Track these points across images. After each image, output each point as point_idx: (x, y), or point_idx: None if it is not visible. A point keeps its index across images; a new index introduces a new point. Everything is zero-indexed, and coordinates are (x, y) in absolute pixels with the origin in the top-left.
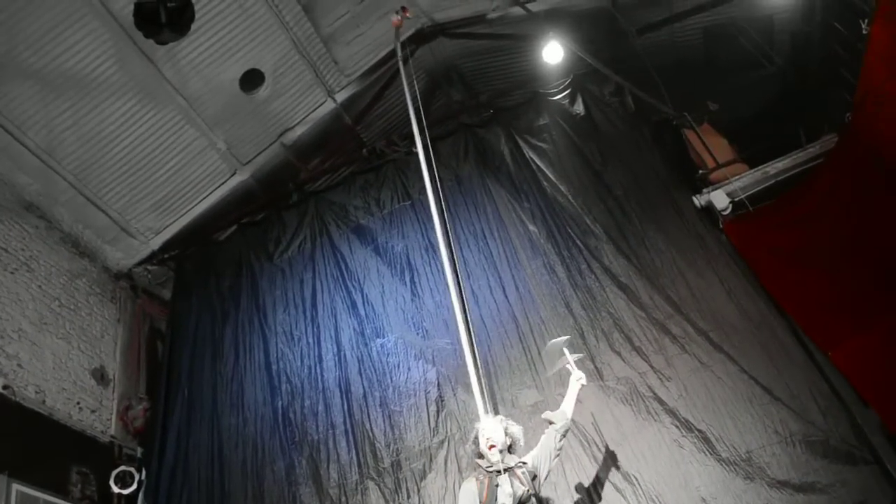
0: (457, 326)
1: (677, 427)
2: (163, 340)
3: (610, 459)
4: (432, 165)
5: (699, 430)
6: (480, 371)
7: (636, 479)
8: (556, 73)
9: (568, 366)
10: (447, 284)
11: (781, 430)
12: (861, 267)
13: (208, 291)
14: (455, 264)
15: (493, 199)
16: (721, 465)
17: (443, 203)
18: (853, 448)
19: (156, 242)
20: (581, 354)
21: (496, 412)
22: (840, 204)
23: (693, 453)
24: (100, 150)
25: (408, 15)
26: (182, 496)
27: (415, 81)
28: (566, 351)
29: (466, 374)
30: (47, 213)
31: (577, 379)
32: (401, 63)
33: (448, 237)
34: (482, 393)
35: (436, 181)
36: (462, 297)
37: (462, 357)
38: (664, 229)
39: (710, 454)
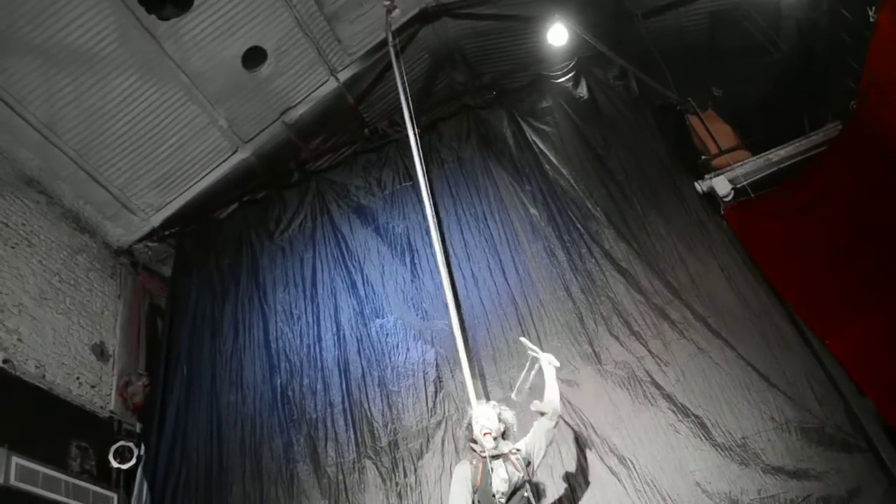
0: (453, 311)
1: (674, 412)
2: (163, 317)
3: (606, 443)
4: (420, 157)
5: (695, 416)
6: (477, 354)
7: (631, 463)
8: (561, 55)
9: (533, 354)
10: (441, 270)
11: (777, 417)
12: (862, 257)
13: (208, 269)
14: (447, 254)
15: (495, 182)
16: (716, 450)
17: (433, 194)
18: (848, 436)
19: (156, 219)
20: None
21: (495, 394)
22: (842, 193)
23: (689, 438)
24: (101, 126)
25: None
26: (181, 472)
27: (404, 76)
28: (524, 341)
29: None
30: (48, 189)
31: (549, 362)
32: (392, 55)
33: (440, 229)
34: (474, 378)
35: (424, 172)
36: (454, 286)
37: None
38: (665, 214)
39: (706, 439)
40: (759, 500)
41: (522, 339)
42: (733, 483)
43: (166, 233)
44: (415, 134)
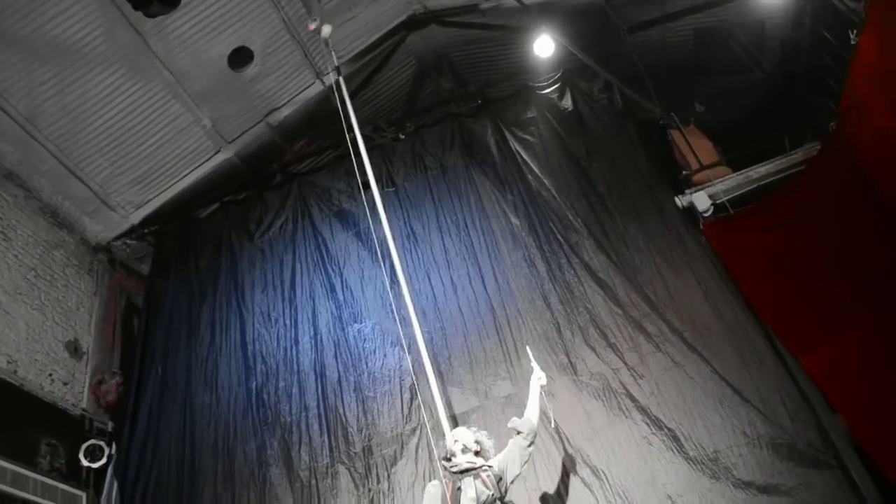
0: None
1: (647, 424)
2: (139, 316)
3: (579, 454)
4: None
5: (669, 429)
6: (454, 361)
7: (604, 475)
8: (547, 66)
9: (532, 364)
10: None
11: (749, 432)
12: (837, 276)
13: (187, 268)
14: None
15: (477, 190)
16: (688, 463)
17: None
18: (819, 452)
19: (136, 217)
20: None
21: (470, 402)
22: (820, 212)
23: (661, 451)
24: (83, 121)
25: (311, 28)
26: (151, 473)
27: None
28: (528, 350)
29: (442, 363)
30: (27, 182)
31: (537, 379)
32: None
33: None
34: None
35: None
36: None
37: (439, 346)
38: (645, 228)
39: (679, 452)
40: None
41: (528, 347)
42: (704, 497)
43: (146, 231)
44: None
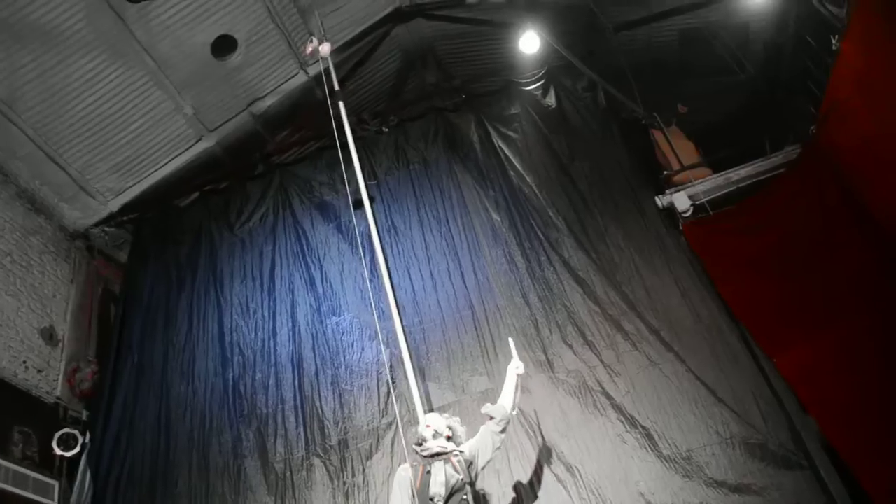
0: (414, 311)
1: (622, 422)
2: (116, 304)
3: (554, 450)
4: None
5: (643, 427)
6: (432, 356)
7: (578, 471)
8: (532, 63)
9: (512, 352)
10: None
11: (722, 432)
12: (813, 279)
13: (165, 257)
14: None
15: (459, 185)
16: (661, 461)
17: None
18: (790, 453)
19: (115, 204)
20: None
21: (447, 397)
22: (797, 215)
23: (635, 449)
24: (63, 106)
25: (308, 51)
26: (125, 462)
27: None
28: (511, 341)
29: (420, 358)
30: (4, 167)
31: (515, 368)
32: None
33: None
34: (428, 381)
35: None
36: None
37: (417, 340)
38: (625, 227)
39: (652, 451)
40: None
41: (511, 339)
42: (676, 495)
43: (124, 218)
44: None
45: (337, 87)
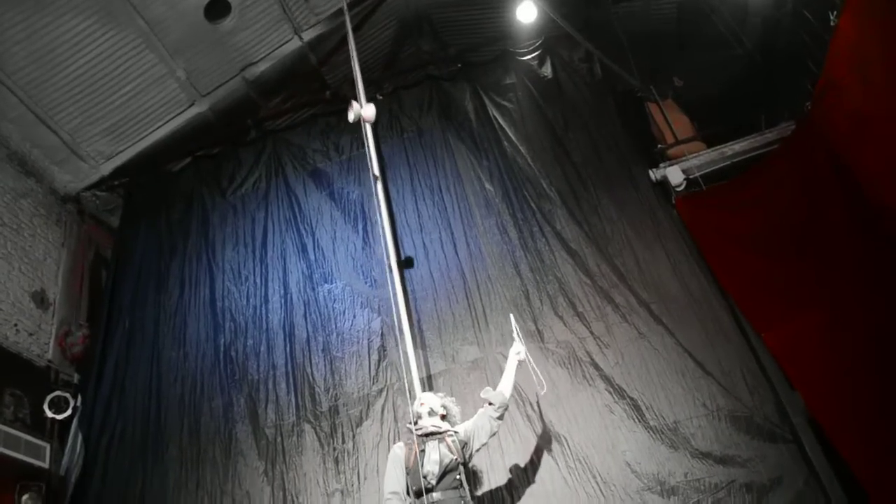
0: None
1: (610, 393)
2: (107, 268)
3: (542, 419)
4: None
5: (631, 398)
6: (423, 325)
7: (566, 440)
8: (528, 33)
9: (514, 335)
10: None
11: (709, 404)
12: (803, 256)
13: (157, 222)
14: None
15: (453, 155)
16: (648, 432)
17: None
18: (775, 427)
19: (106, 168)
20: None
21: (437, 366)
22: (790, 191)
23: (623, 419)
24: (53, 68)
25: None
26: (117, 426)
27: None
28: (512, 319)
29: (411, 326)
30: None
31: (516, 353)
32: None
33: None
34: (418, 349)
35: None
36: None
37: (409, 309)
38: (618, 199)
39: (639, 421)
40: (686, 482)
41: (511, 316)
42: (662, 465)
43: (116, 182)
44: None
45: (376, 172)
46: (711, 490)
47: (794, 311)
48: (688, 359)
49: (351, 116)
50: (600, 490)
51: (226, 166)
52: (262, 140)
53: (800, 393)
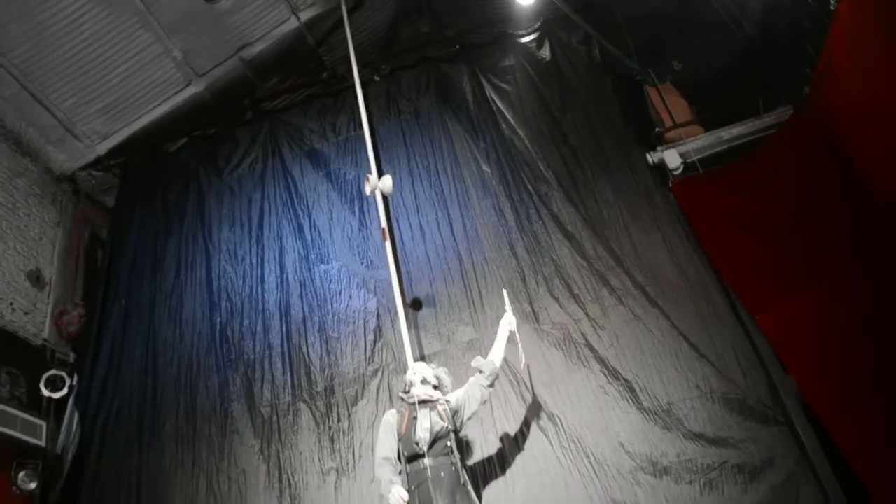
0: (402, 261)
1: (605, 374)
2: (103, 248)
3: (537, 400)
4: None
5: (625, 379)
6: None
7: (560, 421)
8: (527, 15)
9: (506, 307)
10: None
11: (703, 386)
12: (798, 240)
13: (153, 202)
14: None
15: (450, 136)
16: (642, 413)
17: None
18: (768, 409)
19: (102, 147)
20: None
21: (432, 346)
22: (786, 176)
23: (617, 400)
24: (49, 47)
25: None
26: (113, 405)
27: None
28: (505, 293)
29: (406, 307)
30: None
31: (507, 323)
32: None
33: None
34: (413, 330)
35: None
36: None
37: (405, 290)
38: (615, 182)
39: (633, 402)
40: (678, 462)
41: (505, 290)
42: (655, 446)
43: (112, 162)
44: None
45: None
46: (704, 470)
47: (788, 295)
48: (682, 341)
49: (367, 190)
50: (593, 470)
51: (222, 147)
52: (258, 120)
53: (793, 375)
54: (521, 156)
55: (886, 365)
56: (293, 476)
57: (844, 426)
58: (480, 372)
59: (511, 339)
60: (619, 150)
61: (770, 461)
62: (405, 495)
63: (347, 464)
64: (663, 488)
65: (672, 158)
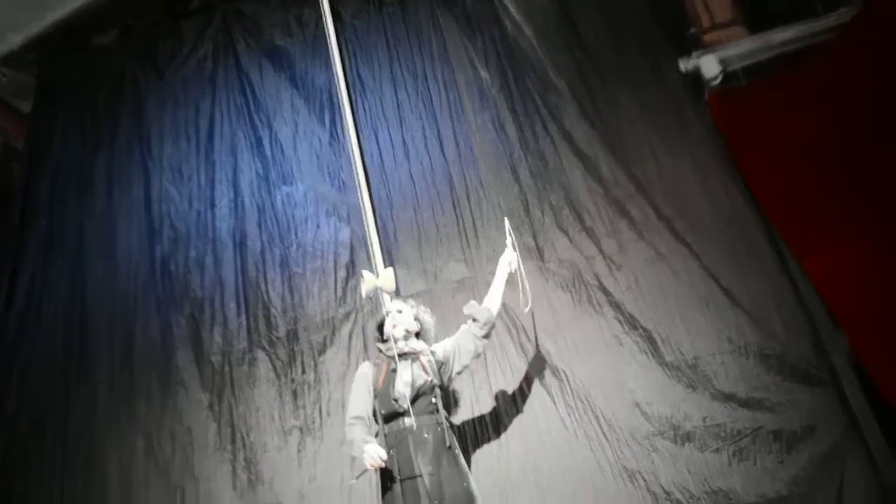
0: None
1: (620, 322)
2: (19, 162)
3: (539, 351)
4: None
5: (644, 329)
6: (400, 237)
7: (565, 375)
8: None
9: (507, 242)
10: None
11: (736, 339)
12: (861, 170)
13: (79, 108)
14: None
15: (442, 34)
16: (663, 369)
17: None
18: (811, 367)
19: (15, 40)
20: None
21: (417, 285)
22: (848, 93)
23: (633, 353)
24: None
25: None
26: (33, 349)
27: None
28: (507, 223)
29: (386, 238)
30: None
31: (507, 262)
32: None
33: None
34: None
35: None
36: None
37: (384, 218)
38: (639, 94)
39: (653, 356)
40: (704, 427)
41: (507, 219)
42: (677, 407)
43: (27, 58)
44: None
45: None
46: (733, 437)
47: (843, 237)
48: (713, 285)
49: (364, 290)
50: (603, 433)
51: (163, 42)
52: (208, 10)
53: (843, 329)
54: (526, 59)
55: None
56: (248, 435)
57: None
58: (474, 320)
59: (511, 281)
60: (646, 54)
61: (811, 428)
62: (383, 453)
63: (313, 422)
64: (685, 456)
65: (709, 66)
